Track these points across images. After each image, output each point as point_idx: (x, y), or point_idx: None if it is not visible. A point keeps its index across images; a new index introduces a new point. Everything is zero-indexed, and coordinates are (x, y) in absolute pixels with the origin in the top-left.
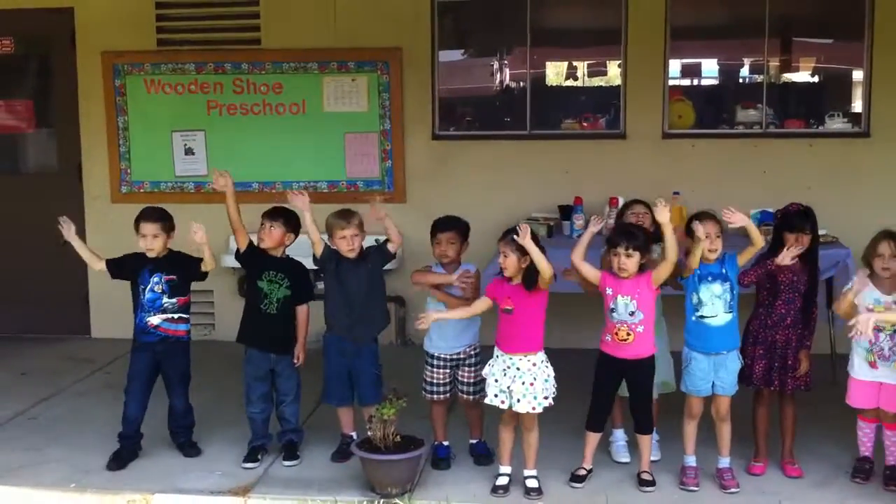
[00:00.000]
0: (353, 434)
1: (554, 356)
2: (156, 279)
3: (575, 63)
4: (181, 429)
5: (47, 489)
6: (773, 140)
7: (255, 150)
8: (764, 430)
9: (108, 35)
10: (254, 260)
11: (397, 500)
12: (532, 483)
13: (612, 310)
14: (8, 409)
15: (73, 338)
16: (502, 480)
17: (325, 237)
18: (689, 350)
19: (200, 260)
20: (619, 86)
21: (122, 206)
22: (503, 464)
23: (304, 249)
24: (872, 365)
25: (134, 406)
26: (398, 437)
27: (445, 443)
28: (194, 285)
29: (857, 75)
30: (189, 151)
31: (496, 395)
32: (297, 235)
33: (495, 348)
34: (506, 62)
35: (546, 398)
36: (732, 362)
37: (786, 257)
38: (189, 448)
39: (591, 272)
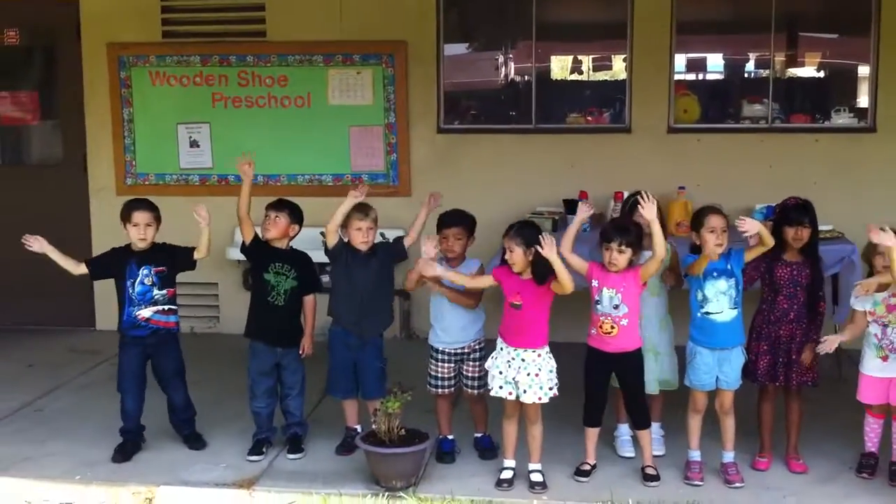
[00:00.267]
0: (358, 427)
1: (559, 350)
2: (145, 271)
3: (580, 57)
4: (183, 422)
5: (53, 481)
6: (779, 135)
7: (260, 142)
8: (769, 426)
9: (113, 27)
10: (260, 252)
11: (402, 494)
12: (536, 477)
13: (597, 302)
14: (14, 400)
15: (79, 330)
16: (506, 474)
17: (320, 230)
18: (694, 345)
19: (189, 249)
20: (624, 80)
21: (127, 198)
22: (507, 457)
23: (308, 244)
24: (884, 359)
25: (132, 401)
26: (403, 430)
27: (450, 437)
28: (199, 278)
29: (864, 70)
30: (194, 144)
31: (501, 387)
32: (301, 227)
33: (498, 340)
34: (511, 56)
35: (551, 388)
36: (737, 357)
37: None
38: (194, 441)
39: (578, 263)
